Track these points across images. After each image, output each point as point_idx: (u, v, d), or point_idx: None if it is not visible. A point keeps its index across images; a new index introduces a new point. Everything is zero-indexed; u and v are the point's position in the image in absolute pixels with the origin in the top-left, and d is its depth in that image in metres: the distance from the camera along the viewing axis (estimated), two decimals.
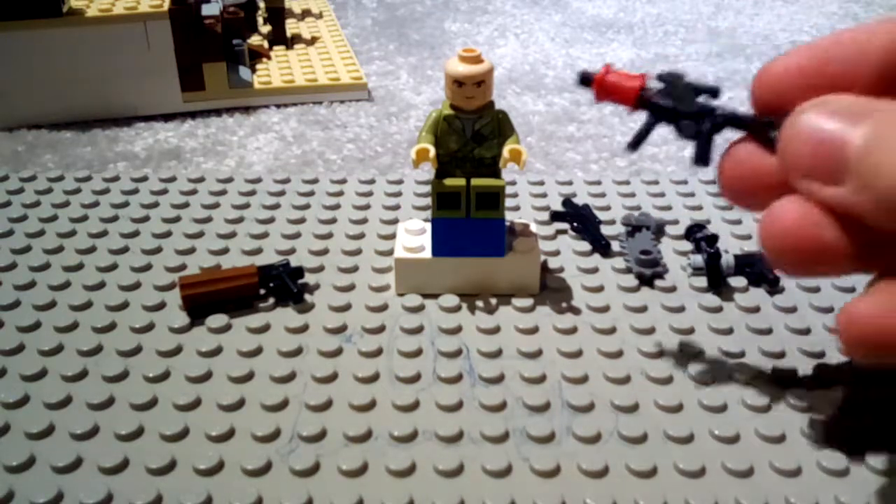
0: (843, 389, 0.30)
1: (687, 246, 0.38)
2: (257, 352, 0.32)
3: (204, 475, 0.26)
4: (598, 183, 0.44)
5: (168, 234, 0.40)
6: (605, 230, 0.39)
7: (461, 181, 0.33)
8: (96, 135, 0.52)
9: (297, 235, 0.40)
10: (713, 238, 0.37)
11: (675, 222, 0.40)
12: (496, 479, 0.26)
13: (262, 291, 0.35)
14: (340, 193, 0.44)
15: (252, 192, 0.44)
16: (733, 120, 0.26)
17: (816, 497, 0.25)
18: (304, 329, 0.33)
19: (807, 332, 0.33)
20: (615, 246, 0.38)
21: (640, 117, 0.28)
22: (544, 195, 0.43)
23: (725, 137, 0.26)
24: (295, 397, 0.29)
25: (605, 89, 0.28)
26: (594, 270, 0.37)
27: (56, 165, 0.48)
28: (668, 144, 0.50)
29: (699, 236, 0.38)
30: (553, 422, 0.28)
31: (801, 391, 0.30)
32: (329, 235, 0.40)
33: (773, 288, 0.35)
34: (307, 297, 0.35)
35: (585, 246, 0.38)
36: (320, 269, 0.37)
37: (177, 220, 0.41)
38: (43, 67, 0.52)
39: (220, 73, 0.55)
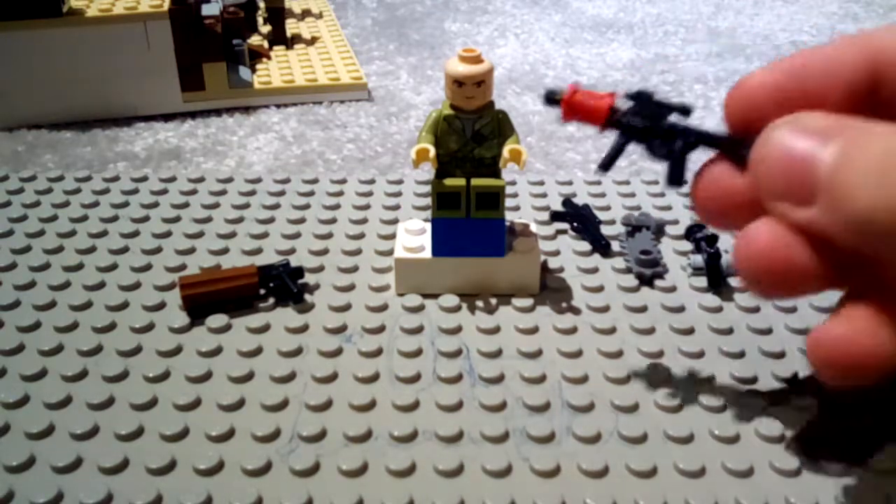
0: (844, 389, 0.30)
1: (687, 246, 0.38)
2: (257, 352, 0.32)
3: (204, 475, 0.26)
4: (598, 183, 0.44)
5: (168, 234, 0.40)
6: (605, 230, 0.39)
7: (461, 181, 0.33)
8: (96, 135, 0.52)
9: (297, 235, 0.40)
10: (713, 238, 0.37)
11: (675, 222, 0.40)
12: (496, 479, 0.26)
13: (262, 291, 0.35)
14: (340, 193, 0.44)
15: (252, 192, 0.44)
16: (705, 139, 0.26)
17: (816, 497, 0.25)
18: (304, 329, 0.33)
19: (807, 332, 0.33)
20: (615, 246, 0.38)
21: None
22: (544, 195, 0.43)
23: (699, 157, 0.26)
24: (295, 397, 0.29)
25: (572, 109, 0.27)
26: (594, 270, 0.37)
27: (56, 165, 0.48)
28: None
29: (699, 236, 0.38)
30: (553, 422, 0.28)
31: (801, 391, 0.30)
32: (329, 235, 0.40)
33: None
34: (307, 297, 0.35)
35: (585, 246, 0.38)
36: (320, 269, 0.37)
37: (177, 220, 0.41)
38: (43, 67, 0.52)
39: (220, 73, 0.55)
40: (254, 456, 0.27)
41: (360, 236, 0.40)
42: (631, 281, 0.36)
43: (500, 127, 0.33)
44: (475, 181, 0.33)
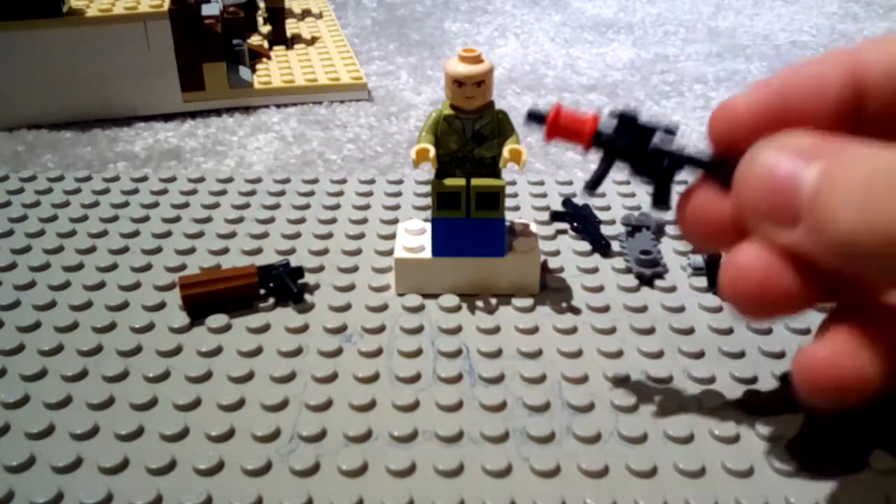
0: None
1: (687, 246, 0.38)
2: (257, 352, 0.32)
3: (204, 475, 0.26)
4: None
5: (168, 234, 0.40)
6: (605, 230, 0.39)
7: (461, 181, 0.33)
8: (96, 135, 0.52)
9: (297, 235, 0.40)
10: None
11: (676, 222, 0.40)
12: (496, 479, 0.26)
13: (262, 291, 0.35)
14: (340, 193, 0.44)
15: (252, 192, 0.44)
16: (690, 160, 0.26)
17: (816, 497, 0.25)
18: (304, 329, 0.33)
19: (807, 332, 0.33)
20: (615, 246, 0.39)
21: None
22: (544, 195, 0.43)
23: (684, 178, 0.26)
24: (295, 397, 0.29)
25: (557, 129, 0.27)
26: (594, 270, 0.37)
27: (56, 165, 0.48)
28: None
29: None
30: (553, 422, 0.28)
31: None
32: (329, 235, 0.40)
33: None
34: (307, 297, 0.35)
35: (585, 246, 0.38)
36: (320, 269, 0.37)
37: (177, 220, 0.41)
38: (43, 67, 0.52)
39: (220, 73, 0.55)
40: (254, 456, 0.27)
41: (360, 236, 0.40)
42: (631, 281, 0.36)
43: (500, 127, 0.33)
44: (475, 181, 0.33)
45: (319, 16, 0.75)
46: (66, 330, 0.33)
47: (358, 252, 0.38)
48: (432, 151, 0.32)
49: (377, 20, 0.76)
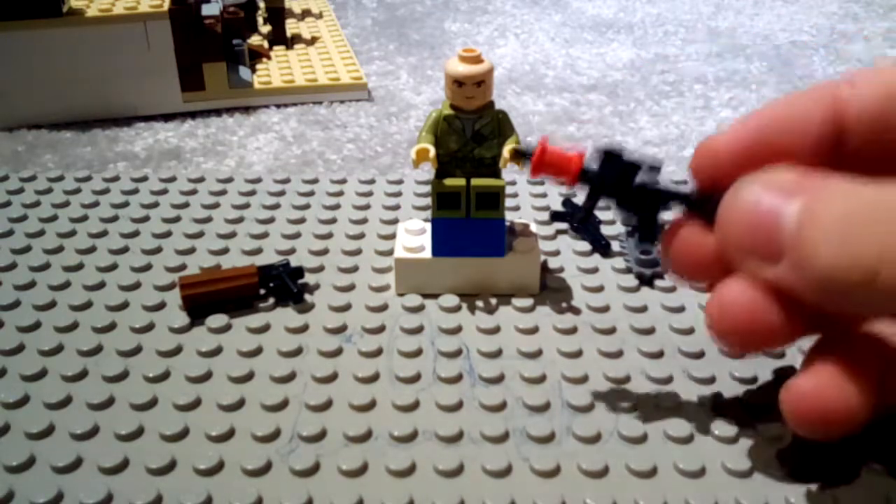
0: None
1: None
2: (257, 352, 0.32)
3: (204, 475, 0.26)
4: None
5: (168, 234, 0.40)
6: (605, 230, 0.39)
7: (461, 181, 0.33)
8: (96, 135, 0.52)
9: (297, 235, 0.40)
10: None
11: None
12: (496, 479, 0.26)
13: (262, 291, 0.35)
14: (340, 193, 0.44)
15: (252, 192, 0.44)
16: (675, 196, 0.26)
17: (816, 497, 0.25)
18: (304, 329, 0.33)
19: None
20: (615, 246, 0.39)
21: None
22: (544, 195, 0.43)
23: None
24: (295, 397, 0.29)
25: (542, 166, 0.28)
26: (594, 270, 0.37)
27: (56, 165, 0.48)
28: (668, 144, 0.51)
29: None
30: (553, 422, 0.28)
31: None
32: (329, 235, 0.40)
33: None
34: (307, 297, 0.35)
35: (585, 246, 0.38)
36: (320, 269, 0.37)
37: (177, 220, 0.41)
38: (43, 67, 0.52)
39: (220, 73, 0.55)
40: (254, 456, 0.27)
41: (360, 236, 0.40)
42: (631, 281, 0.36)
43: (500, 127, 0.33)
44: (475, 181, 0.33)
45: (319, 16, 0.75)
46: (66, 330, 0.33)
47: (358, 252, 0.38)
48: (432, 151, 0.32)
49: (377, 20, 0.76)
